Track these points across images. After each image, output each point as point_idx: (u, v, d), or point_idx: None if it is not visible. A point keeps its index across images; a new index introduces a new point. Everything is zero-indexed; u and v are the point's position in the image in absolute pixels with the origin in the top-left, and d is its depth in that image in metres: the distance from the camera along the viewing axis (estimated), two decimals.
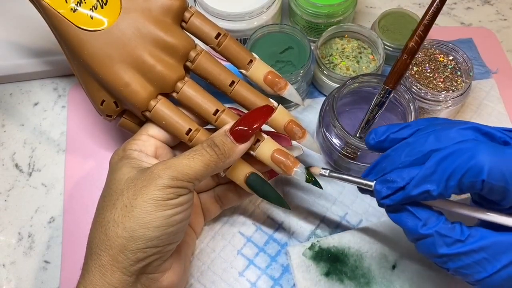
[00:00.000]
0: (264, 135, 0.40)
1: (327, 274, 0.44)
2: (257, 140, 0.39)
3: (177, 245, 0.37)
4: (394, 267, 0.44)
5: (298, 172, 0.39)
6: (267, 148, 0.39)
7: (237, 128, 0.37)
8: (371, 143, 0.37)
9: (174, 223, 0.35)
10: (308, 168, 0.39)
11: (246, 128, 0.37)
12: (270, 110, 0.39)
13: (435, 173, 0.31)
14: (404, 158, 0.33)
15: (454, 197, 0.33)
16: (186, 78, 0.40)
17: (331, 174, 0.38)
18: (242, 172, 0.39)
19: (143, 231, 0.33)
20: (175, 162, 0.35)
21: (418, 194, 0.32)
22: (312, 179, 0.39)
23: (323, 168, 0.38)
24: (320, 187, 0.40)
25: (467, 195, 0.34)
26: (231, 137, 0.37)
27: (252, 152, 0.39)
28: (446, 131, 0.32)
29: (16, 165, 0.52)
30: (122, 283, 0.34)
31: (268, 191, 0.40)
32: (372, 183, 0.35)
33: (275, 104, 0.41)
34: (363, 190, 0.36)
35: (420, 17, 0.42)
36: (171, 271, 0.37)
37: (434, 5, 0.40)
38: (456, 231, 0.31)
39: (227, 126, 0.37)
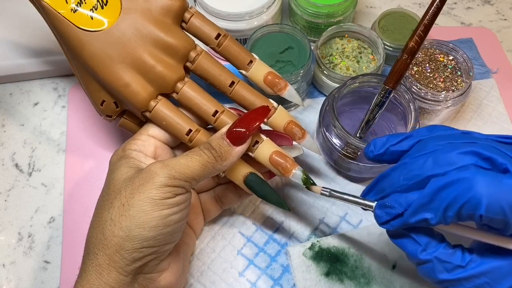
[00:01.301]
0: (263, 137, 0.40)
1: (327, 274, 0.44)
2: (256, 142, 0.39)
3: (174, 245, 0.37)
4: (394, 267, 0.44)
5: (295, 175, 0.39)
6: (265, 150, 0.39)
7: (233, 130, 0.37)
8: (369, 156, 0.36)
9: (171, 223, 0.35)
10: (305, 174, 0.39)
11: (242, 130, 0.37)
12: (266, 111, 0.39)
13: (432, 202, 0.30)
14: (403, 181, 0.32)
15: None
16: (186, 79, 0.40)
17: (332, 193, 0.37)
18: (241, 172, 0.39)
19: (139, 231, 0.33)
20: (173, 162, 0.35)
21: (416, 222, 0.31)
22: (309, 182, 0.39)
23: (323, 188, 0.38)
24: None
25: None
26: (227, 140, 0.37)
27: (250, 154, 0.39)
28: (445, 155, 0.31)
29: (16, 165, 0.52)
30: (118, 282, 0.34)
31: (267, 192, 0.40)
32: (373, 204, 0.34)
33: (275, 104, 0.41)
34: (365, 209, 0.36)
35: (420, 17, 0.42)
36: (168, 271, 0.37)
37: (434, 5, 0.40)
38: (456, 256, 0.31)
39: (224, 129, 0.37)
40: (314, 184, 0.39)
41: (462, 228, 0.32)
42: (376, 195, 0.35)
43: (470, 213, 0.29)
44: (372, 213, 0.35)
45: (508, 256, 0.31)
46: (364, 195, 0.36)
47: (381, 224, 0.33)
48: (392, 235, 0.34)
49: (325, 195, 0.38)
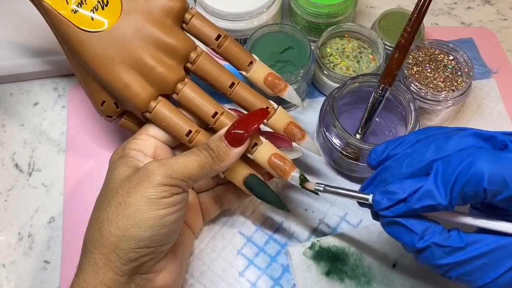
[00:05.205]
0: (263, 139, 0.40)
1: (327, 274, 0.44)
2: (255, 144, 0.39)
3: (170, 246, 0.37)
4: (394, 265, 0.44)
5: (294, 177, 0.39)
6: (264, 152, 0.39)
7: (232, 131, 0.37)
8: (372, 164, 0.36)
9: (168, 224, 0.35)
10: (302, 176, 0.39)
11: (241, 132, 0.37)
12: (264, 113, 0.39)
13: (437, 186, 0.30)
14: (405, 169, 0.32)
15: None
16: (186, 80, 0.40)
17: (326, 188, 0.37)
18: (241, 173, 0.39)
19: (135, 231, 0.33)
20: (170, 161, 0.35)
21: (421, 207, 0.31)
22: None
23: (317, 183, 0.37)
24: (316, 193, 0.40)
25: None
26: (226, 141, 0.37)
27: (249, 156, 0.39)
28: (446, 139, 0.32)
29: (16, 165, 0.52)
30: (114, 282, 0.34)
31: (267, 193, 0.40)
32: (369, 197, 0.34)
33: (275, 106, 0.41)
34: (362, 203, 0.35)
35: None
36: (165, 271, 0.37)
37: None
38: (454, 239, 0.31)
39: (223, 131, 0.37)
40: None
41: (459, 215, 0.32)
42: (376, 187, 0.34)
43: (474, 189, 0.29)
44: (368, 209, 0.35)
45: (505, 237, 0.31)
46: (362, 190, 0.36)
47: (381, 210, 0.33)
48: (387, 224, 0.33)
49: (319, 190, 0.37)
